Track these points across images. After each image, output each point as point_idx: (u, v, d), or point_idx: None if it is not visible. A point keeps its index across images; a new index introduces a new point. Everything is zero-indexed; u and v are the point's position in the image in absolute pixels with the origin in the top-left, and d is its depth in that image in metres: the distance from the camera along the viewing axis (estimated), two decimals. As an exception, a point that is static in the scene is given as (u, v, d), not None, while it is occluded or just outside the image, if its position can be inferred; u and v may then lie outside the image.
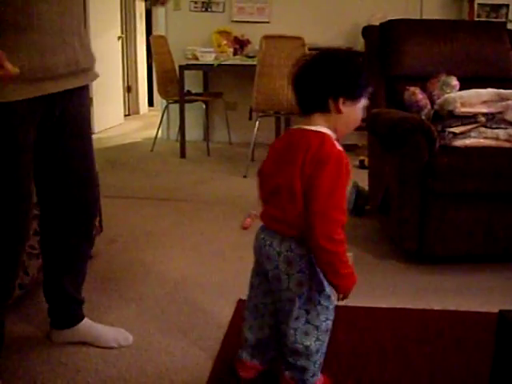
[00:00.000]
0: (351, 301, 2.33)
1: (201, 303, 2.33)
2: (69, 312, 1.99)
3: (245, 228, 3.33)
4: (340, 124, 1.55)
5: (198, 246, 3.01)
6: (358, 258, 2.87)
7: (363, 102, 1.56)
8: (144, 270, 2.68)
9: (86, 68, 1.74)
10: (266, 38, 4.46)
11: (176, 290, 2.45)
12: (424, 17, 5.66)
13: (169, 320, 2.18)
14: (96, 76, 1.82)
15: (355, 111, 1.55)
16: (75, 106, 1.75)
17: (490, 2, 5.71)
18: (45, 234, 1.92)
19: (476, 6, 5.58)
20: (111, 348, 1.95)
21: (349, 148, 5.95)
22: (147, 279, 2.57)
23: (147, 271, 2.66)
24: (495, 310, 2.30)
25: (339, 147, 1.50)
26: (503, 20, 5.61)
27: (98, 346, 1.96)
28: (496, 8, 5.73)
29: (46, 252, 1.94)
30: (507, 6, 5.68)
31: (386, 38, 3.35)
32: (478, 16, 5.64)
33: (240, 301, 2.34)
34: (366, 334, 2.07)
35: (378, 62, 3.33)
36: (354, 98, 1.53)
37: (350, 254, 2.88)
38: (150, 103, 9.27)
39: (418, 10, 5.78)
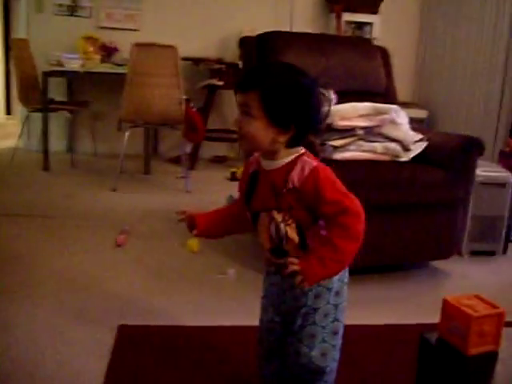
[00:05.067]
0: (247, 320, 2.26)
1: (78, 331, 2.13)
2: None
3: (119, 245, 3.14)
4: None
5: (70, 268, 2.78)
6: (240, 274, 2.82)
7: None
8: (9, 296, 2.41)
9: None
10: (138, 45, 4.29)
11: (48, 319, 2.22)
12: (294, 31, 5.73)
13: (42, 352, 1.96)
14: None
15: None
16: None
17: (355, 20, 5.90)
18: None
19: (343, 22, 5.75)
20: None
21: (219, 159, 5.92)
22: (14, 306, 2.31)
23: (13, 297, 2.40)
24: (385, 321, 2.34)
25: None
26: (367, 37, 5.81)
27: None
28: (361, 25, 5.93)
29: None
30: (371, 24, 5.89)
31: (263, 49, 3.30)
32: (345, 32, 5.81)
33: (121, 326, 2.17)
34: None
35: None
36: None
37: (230, 271, 2.83)
38: (7, 111, 8.69)
39: (288, 25, 5.85)
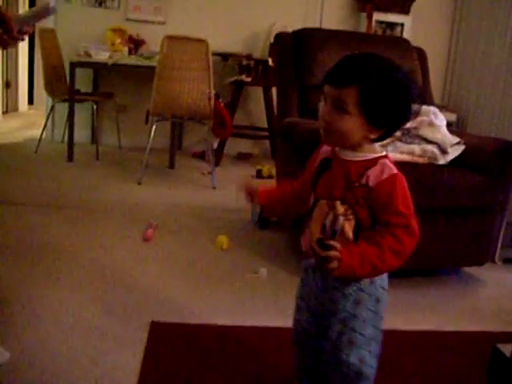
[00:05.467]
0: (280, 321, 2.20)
1: (109, 327, 2.08)
2: None
3: (147, 240, 3.10)
4: None
5: (98, 260, 2.74)
6: (271, 273, 2.77)
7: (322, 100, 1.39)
8: (39, 289, 2.37)
9: None
10: (169, 38, 4.23)
11: (79, 313, 2.18)
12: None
13: (73, 349, 1.91)
14: None
15: None
16: None
17: (386, 20, 5.82)
18: None
19: (373, 22, 5.67)
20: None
21: (243, 156, 5.86)
22: (44, 300, 2.27)
23: (43, 291, 2.35)
24: (420, 327, 2.28)
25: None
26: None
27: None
28: (392, 25, 5.85)
29: None
30: (402, 24, 5.81)
31: (299, 46, 3.25)
32: (375, 32, 5.72)
33: (153, 323, 2.12)
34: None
35: (291, 71, 3.23)
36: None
37: (262, 270, 2.77)
38: (30, 101, 8.67)
39: (318, 22, 5.79)
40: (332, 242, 1.29)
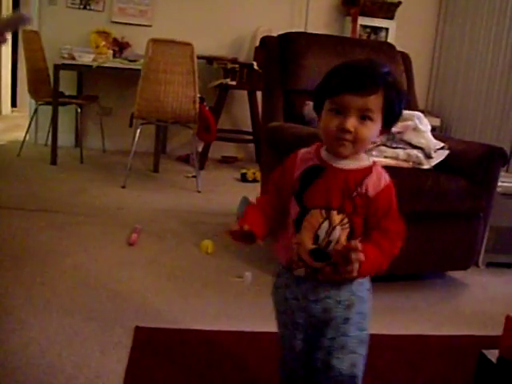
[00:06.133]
0: (261, 327, 2.19)
1: (93, 333, 2.06)
2: None
3: (131, 244, 3.08)
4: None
5: (83, 265, 2.72)
6: (256, 277, 2.76)
7: (327, 107, 1.34)
8: (22, 294, 2.34)
9: None
10: (154, 41, 4.21)
11: (62, 318, 2.15)
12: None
13: (58, 353, 1.89)
14: None
15: (323, 117, 1.36)
16: None
17: (370, 24, 5.85)
18: None
19: (358, 26, 5.69)
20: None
21: (227, 160, 5.85)
22: (29, 303, 2.24)
23: (26, 296, 2.33)
24: (404, 331, 2.28)
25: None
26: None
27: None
28: (376, 30, 5.88)
29: None
30: (387, 29, 5.84)
31: (284, 50, 3.25)
32: (360, 36, 5.75)
33: (137, 328, 2.11)
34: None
35: (277, 75, 3.23)
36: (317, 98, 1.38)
37: (247, 274, 2.76)
38: (13, 103, 8.60)
39: (302, 27, 5.80)
40: (354, 244, 1.26)
